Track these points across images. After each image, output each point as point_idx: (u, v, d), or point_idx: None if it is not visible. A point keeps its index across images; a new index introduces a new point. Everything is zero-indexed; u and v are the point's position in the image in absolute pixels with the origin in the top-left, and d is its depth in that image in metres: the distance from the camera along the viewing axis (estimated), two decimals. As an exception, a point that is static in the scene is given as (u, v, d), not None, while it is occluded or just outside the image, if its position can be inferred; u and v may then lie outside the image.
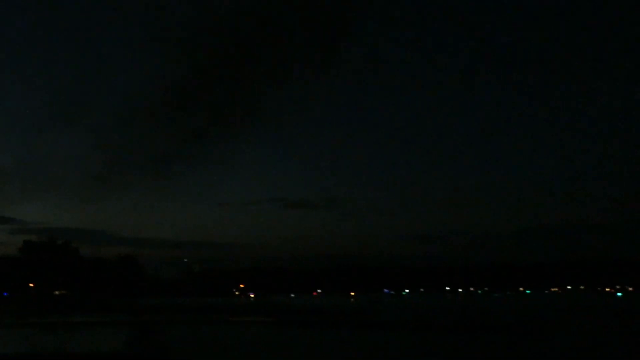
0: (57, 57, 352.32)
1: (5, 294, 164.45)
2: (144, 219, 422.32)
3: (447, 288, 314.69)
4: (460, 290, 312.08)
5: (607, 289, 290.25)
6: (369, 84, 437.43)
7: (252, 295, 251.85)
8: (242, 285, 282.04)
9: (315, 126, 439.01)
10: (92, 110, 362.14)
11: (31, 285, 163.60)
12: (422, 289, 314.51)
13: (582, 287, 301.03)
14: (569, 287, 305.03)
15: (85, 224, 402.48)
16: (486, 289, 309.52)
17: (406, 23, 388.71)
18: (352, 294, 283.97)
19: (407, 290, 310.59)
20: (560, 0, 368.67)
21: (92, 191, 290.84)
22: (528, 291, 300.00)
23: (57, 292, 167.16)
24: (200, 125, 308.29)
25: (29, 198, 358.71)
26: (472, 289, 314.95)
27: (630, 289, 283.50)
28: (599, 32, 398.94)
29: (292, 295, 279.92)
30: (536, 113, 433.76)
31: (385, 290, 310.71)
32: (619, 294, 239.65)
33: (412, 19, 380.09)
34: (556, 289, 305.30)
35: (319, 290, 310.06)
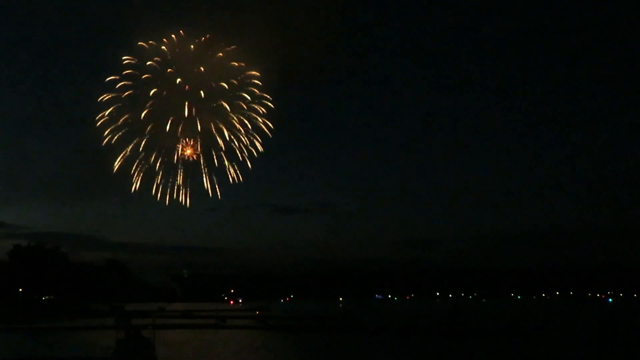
0: (44, 61, 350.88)
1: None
2: (134, 223, 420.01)
3: (438, 293, 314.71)
4: (450, 295, 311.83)
5: (598, 295, 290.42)
6: (363, 90, 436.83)
7: (240, 301, 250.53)
8: (232, 291, 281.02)
9: (308, 132, 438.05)
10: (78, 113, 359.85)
11: (20, 290, 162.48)
12: (412, 294, 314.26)
13: (571, 293, 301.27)
14: (557, 293, 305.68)
15: (74, 229, 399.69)
16: (476, 294, 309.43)
17: (396, 35, 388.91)
18: (340, 299, 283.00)
19: (396, 296, 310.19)
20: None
21: (81, 195, 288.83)
22: (519, 297, 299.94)
23: (45, 297, 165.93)
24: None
25: (18, 202, 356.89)
26: (462, 294, 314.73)
27: (621, 294, 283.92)
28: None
29: (282, 300, 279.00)
30: (528, 120, 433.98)
31: (377, 296, 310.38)
32: (610, 300, 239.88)
33: (403, 32, 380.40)
34: (544, 295, 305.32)
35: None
